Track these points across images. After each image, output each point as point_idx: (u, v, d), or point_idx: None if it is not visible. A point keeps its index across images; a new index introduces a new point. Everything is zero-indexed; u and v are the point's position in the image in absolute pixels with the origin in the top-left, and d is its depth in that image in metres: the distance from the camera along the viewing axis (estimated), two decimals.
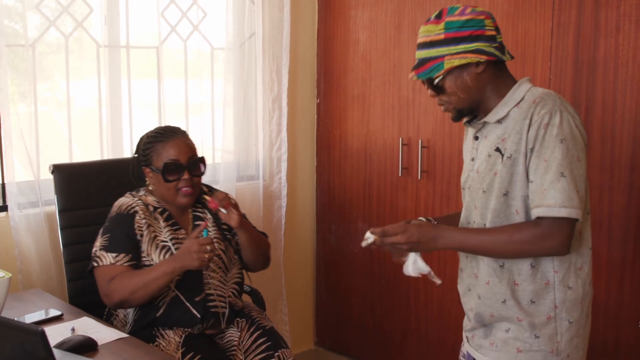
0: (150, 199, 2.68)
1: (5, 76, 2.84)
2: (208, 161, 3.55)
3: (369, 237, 1.96)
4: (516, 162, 1.89)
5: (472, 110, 2.01)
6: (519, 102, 1.93)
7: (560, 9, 2.82)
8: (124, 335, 2.25)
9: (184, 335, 2.50)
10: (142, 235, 2.57)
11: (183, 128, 3.41)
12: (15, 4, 2.96)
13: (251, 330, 2.62)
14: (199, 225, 2.63)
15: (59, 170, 2.87)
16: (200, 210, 2.77)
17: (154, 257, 2.56)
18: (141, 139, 2.74)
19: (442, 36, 1.91)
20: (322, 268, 4.09)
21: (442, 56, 1.91)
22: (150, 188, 2.71)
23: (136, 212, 2.61)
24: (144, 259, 2.56)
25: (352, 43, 3.75)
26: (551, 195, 1.80)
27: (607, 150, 2.74)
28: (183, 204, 2.67)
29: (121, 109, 3.30)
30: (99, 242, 2.56)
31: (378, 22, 3.60)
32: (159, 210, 2.67)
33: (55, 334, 2.17)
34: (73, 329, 2.26)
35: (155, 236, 2.60)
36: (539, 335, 1.95)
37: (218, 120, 3.62)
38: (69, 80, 3.09)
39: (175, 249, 2.58)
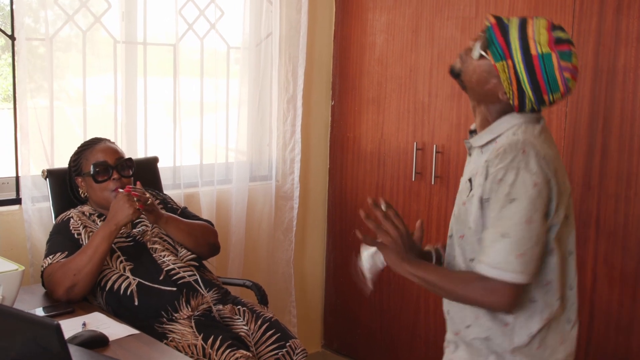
0: (86, 208, 2.76)
1: (24, 70, 2.85)
2: (221, 160, 3.59)
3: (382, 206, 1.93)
4: (472, 202, 1.85)
5: (463, 86, 1.94)
6: (496, 137, 1.87)
7: (581, 17, 2.81)
8: (135, 331, 2.24)
9: (193, 323, 2.50)
10: (79, 234, 2.63)
11: (197, 127, 3.45)
12: (33, 0, 2.97)
13: (258, 323, 2.63)
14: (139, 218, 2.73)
15: (52, 175, 2.88)
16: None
17: None
18: (70, 161, 2.83)
19: (534, 52, 1.78)
20: (332, 270, 4.08)
21: (511, 57, 1.80)
22: (83, 196, 2.79)
23: (70, 217, 2.69)
24: None
25: (368, 46, 3.74)
26: (490, 253, 1.76)
27: (624, 160, 2.72)
28: None
29: (136, 105, 3.30)
30: (43, 255, 2.65)
31: (395, 26, 3.59)
32: (96, 214, 2.74)
33: (67, 329, 2.15)
34: (84, 324, 2.25)
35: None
36: None
37: (232, 120, 3.61)
38: (85, 75, 3.10)
39: (116, 245, 2.62)
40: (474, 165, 1.91)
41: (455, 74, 1.95)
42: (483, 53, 1.85)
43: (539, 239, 1.77)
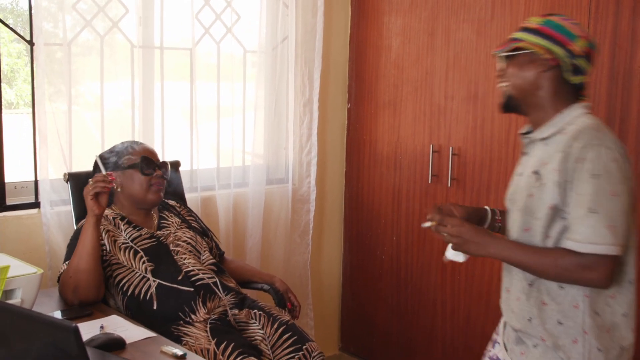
0: (109, 212, 2.76)
1: (42, 75, 2.88)
2: (238, 163, 3.61)
3: (427, 223, 2.00)
4: (547, 190, 1.88)
5: (518, 106, 2.02)
6: (562, 129, 1.92)
7: (597, 17, 2.80)
8: (153, 334, 2.25)
9: (208, 327, 2.52)
10: (100, 239, 2.62)
11: (214, 130, 3.47)
12: (52, 5, 2.99)
13: (275, 326, 2.64)
14: (164, 222, 2.81)
15: (73, 178, 2.89)
16: (166, 214, 2.86)
17: (120, 256, 2.63)
18: (101, 156, 2.79)
19: (536, 26, 1.96)
20: (349, 273, 4.08)
21: (523, 40, 1.97)
22: (117, 189, 2.72)
23: None
24: (112, 258, 2.63)
25: (384, 49, 3.74)
26: (580, 230, 1.79)
27: None
28: (152, 201, 2.77)
29: (153, 110, 3.32)
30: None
31: (411, 29, 3.59)
32: (119, 217, 2.75)
33: (84, 331, 2.17)
34: (102, 327, 2.27)
35: (115, 240, 2.66)
36: (564, 358, 1.89)
37: (249, 123, 3.63)
38: (103, 80, 3.12)
39: (139, 246, 2.65)
40: (538, 157, 1.95)
41: (507, 100, 2.04)
42: (506, 54, 2.00)
43: (627, 210, 1.82)
